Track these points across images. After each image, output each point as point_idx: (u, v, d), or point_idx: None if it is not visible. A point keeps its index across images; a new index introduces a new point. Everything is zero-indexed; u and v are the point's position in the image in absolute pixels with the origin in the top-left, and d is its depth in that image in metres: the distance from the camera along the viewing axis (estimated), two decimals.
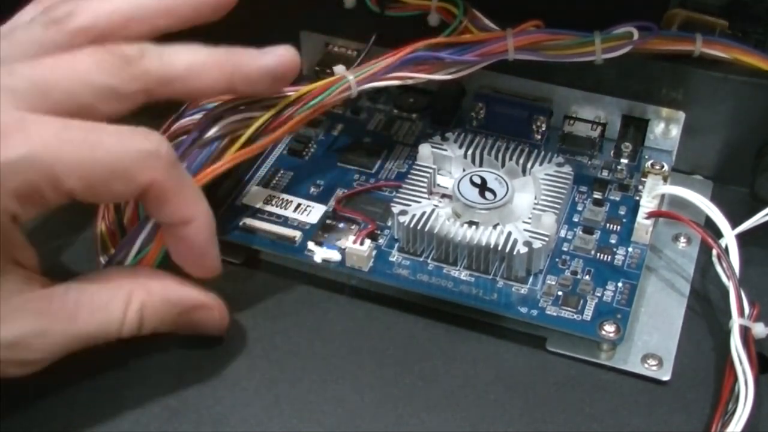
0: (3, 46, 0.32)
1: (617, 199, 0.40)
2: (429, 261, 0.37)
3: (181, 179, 0.31)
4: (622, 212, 0.39)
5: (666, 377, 0.33)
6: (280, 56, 0.34)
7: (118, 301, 0.31)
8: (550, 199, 0.38)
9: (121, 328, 0.31)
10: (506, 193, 0.38)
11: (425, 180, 0.39)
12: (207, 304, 0.33)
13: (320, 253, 0.37)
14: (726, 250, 0.36)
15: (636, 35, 0.39)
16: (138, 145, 0.30)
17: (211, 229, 0.32)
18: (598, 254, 0.37)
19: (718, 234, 0.36)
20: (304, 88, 0.36)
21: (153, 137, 0.30)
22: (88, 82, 0.30)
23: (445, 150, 0.40)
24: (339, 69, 0.38)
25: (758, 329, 0.33)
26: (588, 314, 0.35)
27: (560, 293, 0.35)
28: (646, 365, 0.34)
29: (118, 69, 0.31)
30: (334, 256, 0.37)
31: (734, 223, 0.37)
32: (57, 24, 0.32)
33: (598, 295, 0.35)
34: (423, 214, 0.37)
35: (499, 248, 0.36)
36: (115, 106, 0.31)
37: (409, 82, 0.38)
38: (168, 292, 0.33)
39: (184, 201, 0.31)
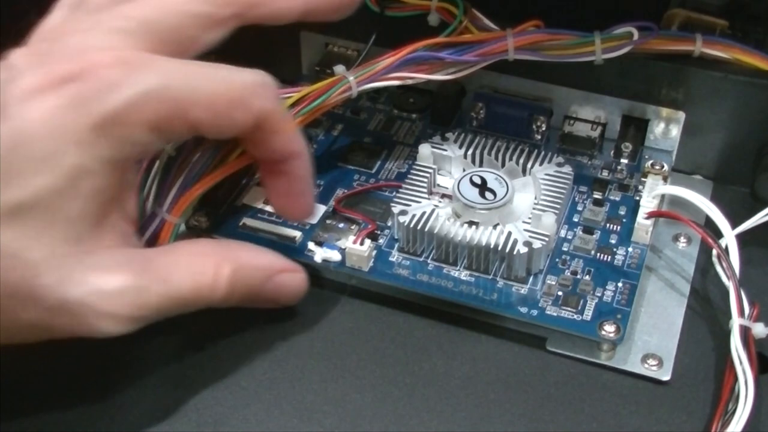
0: None
1: (617, 199, 0.40)
2: (429, 261, 0.37)
3: (286, 112, 0.33)
4: (622, 212, 0.39)
5: (666, 377, 0.33)
6: None
7: (209, 267, 0.32)
8: (550, 199, 0.38)
9: (213, 294, 0.32)
10: (506, 193, 0.38)
11: (425, 180, 0.39)
12: (291, 267, 0.35)
13: (320, 253, 0.37)
14: (726, 250, 0.36)
15: (636, 35, 0.39)
16: (249, 76, 0.31)
17: (311, 166, 0.34)
18: (598, 254, 0.37)
19: (718, 234, 0.36)
20: (305, 90, 0.37)
21: (258, 71, 0.32)
22: (189, 12, 0.32)
23: (445, 150, 0.40)
24: (339, 69, 0.38)
25: (758, 329, 0.33)
26: (588, 314, 0.35)
27: (560, 293, 0.35)
28: (646, 365, 0.34)
29: None
30: (334, 256, 0.37)
31: (734, 223, 0.37)
32: None
33: (598, 295, 0.35)
34: (423, 214, 0.37)
35: (499, 248, 0.36)
36: (213, 33, 0.32)
37: (409, 82, 0.38)
38: (255, 258, 0.34)
39: (292, 133, 0.33)
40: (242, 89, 0.31)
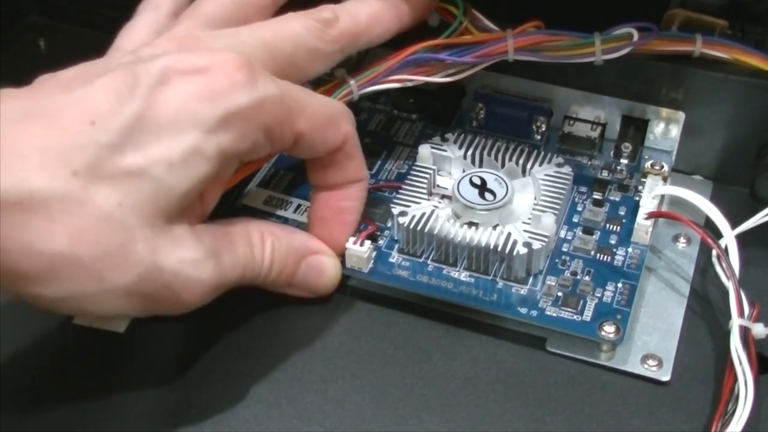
0: (207, 6, 0.35)
1: (617, 199, 0.40)
2: (429, 262, 0.37)
3: (358, 139, 0.35)
4: (621, 212, 0.39)
5: (666, 377, 0.34)
6: None
7: (257, 238, 0.34)
8: (549, 199, 0.38)
9: (260, 265, 0.34)
10: (506, 193, 0.38)
11: (425, 181, 0.39)
12: (325, 250, 0.36)
13: None
14: (726, 250, 0.36)
15: (636, 36, 0.39)
16: (341, 104, 0.35)
17: (366, 195, 0.36)
18: (598, 255, 0.37)
19: (717, 234, 0.36)
20: None
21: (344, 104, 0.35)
22: (303, 45, 0.34)
23: (445, 150, 0.40)
24: (339, 73, 0.38)
25: (758, 329, 0.33)
26: (588, 315, 0.35)
27: (560, 294, 0.35)
28: (646, 366, 0.34)
29: (322, 32, 0.35)
30: None
31: (734, 223, 0.37)
32: None
33: (598, 295, 0.35)
34: (423, 215, 0.37)
35: (499, 249, 0.36)
36: (319, 66, 0.35)
37: (410, 84, 0.38)
38: (291, 237, 0.35)
39: (362, 160, 0.36)
40: (335, 110, 0.34)
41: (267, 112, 0.31)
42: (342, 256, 0.36)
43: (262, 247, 0.34)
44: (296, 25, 0.35)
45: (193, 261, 0.31)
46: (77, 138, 0.28)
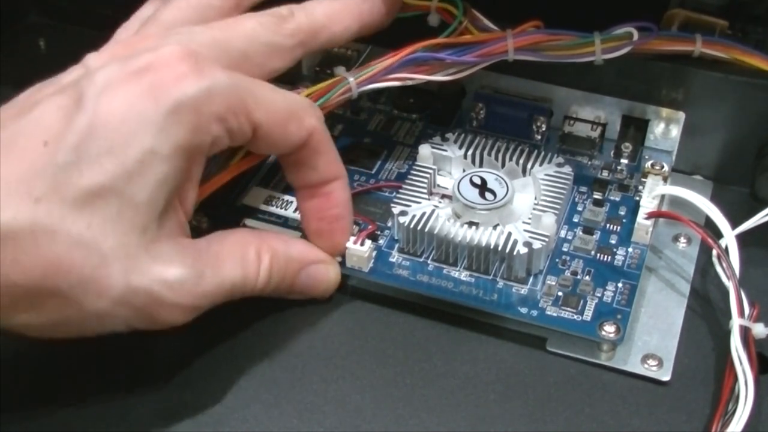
0: (165, 12, 0.35)
1: (617, 199, 0.40)
2: (429, 261, 0.37)
3: (329, 135, 0.34)
4: (622, 212, 0.39)
5: (666, 377, 0.33)
6: None
7: (252, 254, 0.33)
8: (550, 199, 0.38)
9: (255, 281, 0.33)
10: (506, 193, 0.38)
11: (425, 180, 0.39)
12: (324, 259, 0.36)
13: None
14: (726, 250, 0.36)
15: (636, 36, 0.39)
16: (303, 98, 0.35)
17: (350, 192, 0.36)
18: (598, 254, 0.37)
19: (718, 234, 0.36)
20: (305, 91, 0.37)
21: (306, 98, 0.35)
22: (257, 40, 0.34)
23: (445, 150, 0.40)
24: (339, 70, 0.38)
25: (758, 329, 0.33)
26: (588, 314, 0.35)
27: (560, 293, 0.35)
28: (646, 365, 0.34)
29: (277, 26, 0.35)
30: None
31: (734, 223, 0.37)
32: None
33: (598, 295, 0.35)
34: (423, 214, 0.37)
35: (499, 249, 0.36)
36: (278, 62, 0.35)
37: (409, 83, 0.38)
38: (289, 248, 0.35)
39: (334, 155, 0.35)
40: (298, 104, 0.33)
41: (217, 101, 0.30)
42: (342, 256, 0.36)
43: (257, 262, 0.33)
44: (250, 21, 0.35)
45: (169, 282, 0.30)
46: (34, 164, 0.28)
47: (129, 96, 0.29)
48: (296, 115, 0.33)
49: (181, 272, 0.31)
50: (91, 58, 0.32)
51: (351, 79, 0.37)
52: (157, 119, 0.29)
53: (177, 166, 0.30)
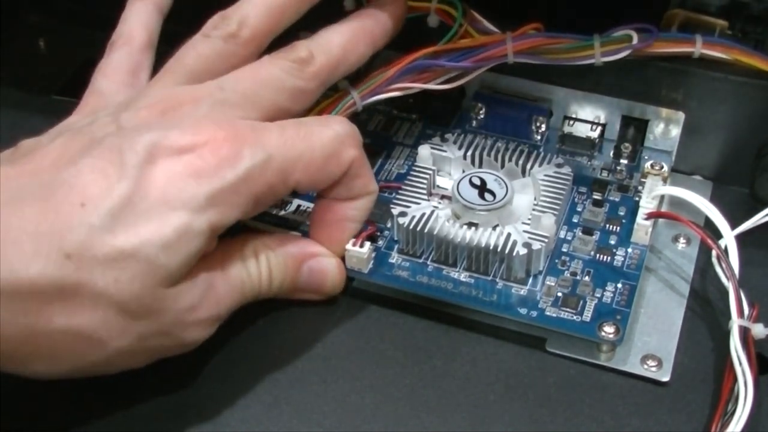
0: (190, 60, 0.35)
1: (617, 199, 0.40)
2: (429, 262, 0.37)
3: (365, 155, 0.35)
4: (621, 213, 0.39)
5: (665, 378, 0.34)
6: (397, 3, 0.38)
7: (251, 255, 0.34)
8: (549, 200, 0.38)
9: (260, 282, 0.34)
10: (506, 194, 0.38)
11: (425, 181, 0.39)
12: (323, 252, 0.36)
13: None
14: (725, 250, 0.36)
15: (635, 39, 0.39)
16: (338, 128, 0.34)
17: (374, 203, 0.36)
18: (598, 255, 0.37)
19: (717, 234, 0.36)
20: (312, 111, 0.37)
21: (345, 120, 0.34)
22: (284, 88, 0.34)
23: (445, 151, 0.40)
24: (342, 84, 0.38)
25: (758, 330, 0.33)
26: (587, 315, 0.35)
27: (560, 294, 0.35)
28: (646, 366, 0.34)
29: (300, 72, 0.35)
30: None
31: (734, 223, 0.37)
32: (234, 37, 0.35)
33: (598, 296, 0.36)
34: (422, 215, 0.37)
35: (499, 249, 0.36)
36: (303, 103, 0.35)
37: (411, 91, 0.38)
38: (285, 245, 0.35)
39: (370, 175, 0.35)
40: (335, 144, 0.33)
41: (256, 183, 0.31)
42: (342, 257, 0.36)
43: (257, 263, 0.34)
44: (274, 69, 0.35)
45: (189, 307, 0.31)
46: (68, 220, 0.29)
47: (172, 172, 0.30)
48: (335, 153, 0.33)
49: (197, 292, 0.31)
50: (125, 117, 0.32)
51: (354, 94, 0.38)
52: (197, 201, 0.30)
53: (209, 240, 0.31)
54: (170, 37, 0.37)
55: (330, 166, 0.33)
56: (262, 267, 0.34)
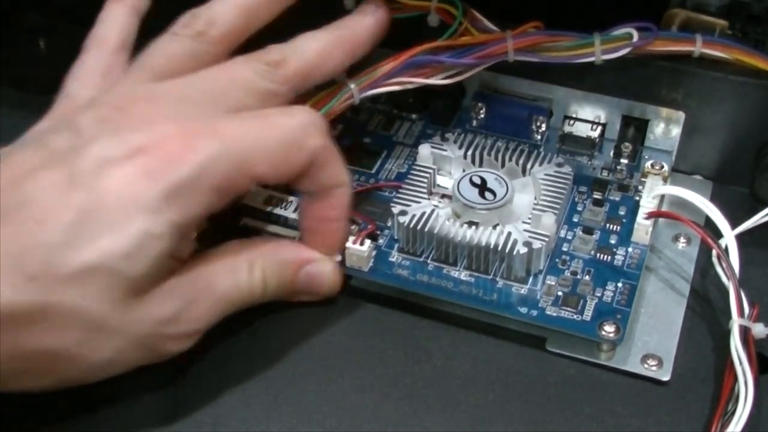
0: (157, 59, 0.35)
1: (617, 199, 0.40)
2: (429, 261, 0.37)
3: (333, 145, 0.34)
4: (621, 212, 0.39)
5: (666, 377, 0.33)
6: (378, 14, 0.38)
7: (242, 264, 0.33)
8: (549, 199, 0.38)
9: (252, 290, 0.33)
10: (506, 193, 0.38)
11: (425, 180, 0.39)
12: (319, 257, 0.35)
13: None
14: (726, 250, 0.36)
15: (635, 36, 0.39)
16: (300, 117, 0.33)
17: (352, 196, 0.35)
18: (598, 254, 0.37)
19: (718, 234, 0.36)
20: (309, 102, 0.37)
21: (308, 109, 0.34)
22: (253, 89, 0.34)
23: (445, 150, 0.40)
24: (340, 77, 0.38)
25: (758, 329, 0.33)
26: (588, 314, 0.35)
27: (560, 293, 0.35)
28: (646, 365, 0.34)
29: (272, 74, 0.34)
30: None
31: (734, 223, 0.37)
32: (202, 35, 0.35)
33: (598, 295, 0.35)
34: (423, 214, 0.37)
35: (499, 248, 0.36)
36: (271, 106, 0.34)
37: (410, 86, 0.38)
38: (281, 251, 0.35)
39: (339, 165, 0.34)
40: (296, 132, 0.33)
41: (213, 175, 0.31)
42: (342, 255, 0.36)
43: (250, 273, 0.33)
44: (245, 70, 0.34)
45: (167, 320, 0.31)
46: (28, 241, 0.28)
47: (124, 178, 0.30)
48: (296, 143, 0.33)
49: (176, 306, 0.31)
50: (83, 120, 0.32)
51: (352, 86, 0.37)
52: (153, 202, 0.30)
53: (173, 241, 0.30)
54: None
55: (292, 156, 0.32)
56: (256, 275, 0.33)
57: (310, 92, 0.37)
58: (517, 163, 0.39)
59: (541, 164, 0.39)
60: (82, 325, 0.29)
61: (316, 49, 0.36)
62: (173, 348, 0.32)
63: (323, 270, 0.35)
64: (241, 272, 0.33)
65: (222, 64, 0.35)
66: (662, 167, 0.40)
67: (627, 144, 0.42)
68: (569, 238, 0.38)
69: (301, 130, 0.33)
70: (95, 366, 0.30)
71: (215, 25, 0.35)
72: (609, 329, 0.34)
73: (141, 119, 0.32)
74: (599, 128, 0.42)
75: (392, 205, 0.38)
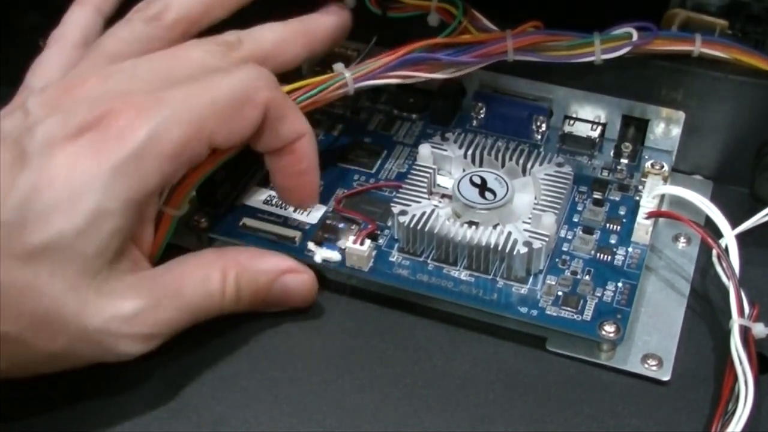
0: (109, 43, 0.35)
1: (617, 199, 0.40)
2: (429, 261, 0.37)
3: (286, 96, 0.34)
4: (622, 212, 0.39)
5: (666, 377, 0.33)
6: (341, 14, 0.39)
7: (216, 274, 0.33)
8: (550, 199, 0.38)
9: (223, 300, 0.33)
10: (506, 193, 0.38)
11: (425, 180, 0.39)
12: (296, 267, 0.35)
13: (320, 253, 0.37)
14: (726, 250, 0.36)
15: (635, 36, 0.39)
16: (246, 73, 0.33)
17: (316, 145, 0.35)
18: (598, 254, 0.37)
19: (718, 234, 0.36)
20: (298, 83, 0.37)
21: (254, 65, 0.34)
22: (202, 67, 0.33)
23: (445, 150, 0.40)
24: (338, 67, 0.38)
25: (758, 329, 0.33)
26: (588, 314, 0.35)
27: (560, 293, 0.35)
28: (646, 365, 0.34)
29: (224, 54, 0.34)
30: (334, 256, 0.37)
31: (734, 223, 0.37)
32: (156, 20, 0.35)
33: (598, 295, 0.35)
34: (423, 214, 0.37)
35: (499, 248, 0.36)
36: None
37: (407, 81, 0.38)
38: (257, 262, 0.34)
39: (296, 115, 0.34)
40: (244, 87, 0.32)
41: (164, 143, 0.30)
42: (342, 255, 0.36)
43: (222, 283, 0.33)
44: (196, 50, 0.34)
45: (123, 316, 0.30)
46: None
47: (71, 156, 0.30)
48: (245, 98, 0.32)
49: (136, 304, 0.31)
50: (31, 102, 0.32)
51: (347, 74, 0.37)
52: (102, 178, 0.29)
53: (127, 217, 0.30)
54: None
55: (244, 111, 0.32)
56: (228, 285, 0.33)
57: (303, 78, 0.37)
58: (517, 162, 0.39)
59: (541, 164, 0.39)
60: (35, 308, 0.29)
61: (272, 37, 0.36)
62: (127, 349, 0.31)
63: (299, 281, 0.35)
64: (213, 282, 0.33)
65: (174, 47, 0.34)
66: (662, 167, 0.40)
67: (627, 144, 0.42)
68: (569, 238, 0.38)
69: (248, 84, 0.33)
70: (46, 356, 0.30)
71: (170, 10, 0.35)
72: (609, 329, 0.34)
73: (88, 99, 0.31)
74: (599, 128, 0.42)
75: (392, 205, 0.38)
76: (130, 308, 0.31)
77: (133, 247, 0.32)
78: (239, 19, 0.37)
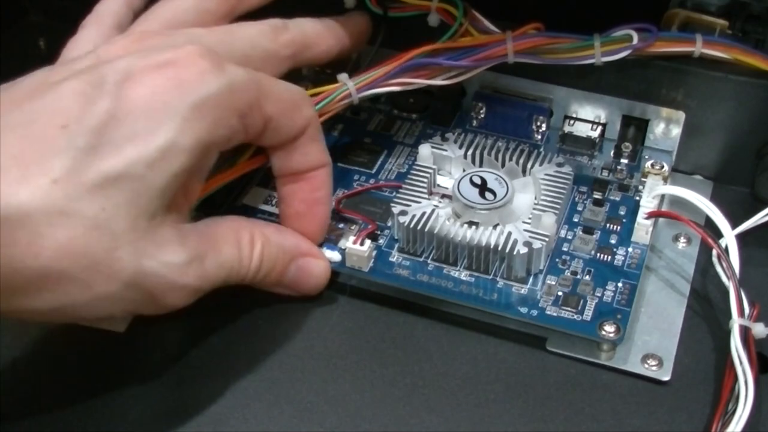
0: (163, 10, 0.36)
1: (617, 199, 0.40)
2: (429, 261, 0.37)
3: (320, 125, 0.35)
4: (622, 212, 0.39)
5: (666, 377, 0.33)
6: (364, 16, 0.41)
7: (246, 237, 0.33)
8: (550, 199, 0.38)
9: (249, 266, 0.33)
10: (506, 193, 0.38)
11: (425, 180, 0.39)
12: (315, 252, 0.36)
13: None
14: (726, 250, 0.36)
15: (636, 38, 0.39)
16: (298, 87, 0.35)
17: (332, 180, 0.36)
18: (598, 254, 0.37)
19: (718, 234, 0.36)
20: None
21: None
22: (258, 46, 0.36)
23: (445, 150, 0.40)
24: (341, 77, 0.38)
25: (758, 329, 0.33)
26: (588, 314, 0.35)
27: (560, 293, 0.35)
28: (646, 365, 0.34)
29: (274, 35, 0.36)
30: (334, 256, 0.37)
31: (734, 223, 0.37)
32: None
33: (598, 295, 0.35)
34: (423, 214, 0.37)
35: (499, 248, 0.36)
36: (272, 69, 0.36)
37: (409, 88, 0.38)
38: (282, 238, 0.35)
39: (324, 144, 0.35)
40: (298, 95, 0.34)
41: (238, 96, 0.31)
42: (342, 255, 0.36)
43: (250, 248, 0.33)
44: (251, 28, 0.36)
45: (176, 265, 0.30)
46: (53, 144, 0.28)
47: (154, 86, 0.30)
48: (298, 105, 0.34)
49: (186, 255, 0.31)
50: (103, 49, 0.32)
51: (351, 85, 0.37)
52: (182, 112, 0.30)
53: (194, 159, 0.30)
54: None
55: (295, 114, 0.34)
56: (255, 253, 0.33)
57: (307, 88, 0.37)
58: (517, 162, 0.39)
59: (541, 164, 0.39)
60: (97, 246, 0.29)
61: (311, 27, 0.38)
62: (174, 300, 0.31)
63: (314, 267, 0.36)
64: (244, 245, 0.33)
65: (229, 24, 0.36)
66: (662, 167, 0.40)
67: (627, 144, 0.42)
68: (569, 238, 0.38)
69: (301, 96, 0.34)
70: (95, 298, 0.29)
71: None
72: (609, 329, 0.34)
73: (168, 45, 0.32)
74: (599, 128, 0.42)
75: (392, 205, 0.38)
76: (182, 257, 0.31)
77: (184, 201, 0.32)
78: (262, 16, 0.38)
